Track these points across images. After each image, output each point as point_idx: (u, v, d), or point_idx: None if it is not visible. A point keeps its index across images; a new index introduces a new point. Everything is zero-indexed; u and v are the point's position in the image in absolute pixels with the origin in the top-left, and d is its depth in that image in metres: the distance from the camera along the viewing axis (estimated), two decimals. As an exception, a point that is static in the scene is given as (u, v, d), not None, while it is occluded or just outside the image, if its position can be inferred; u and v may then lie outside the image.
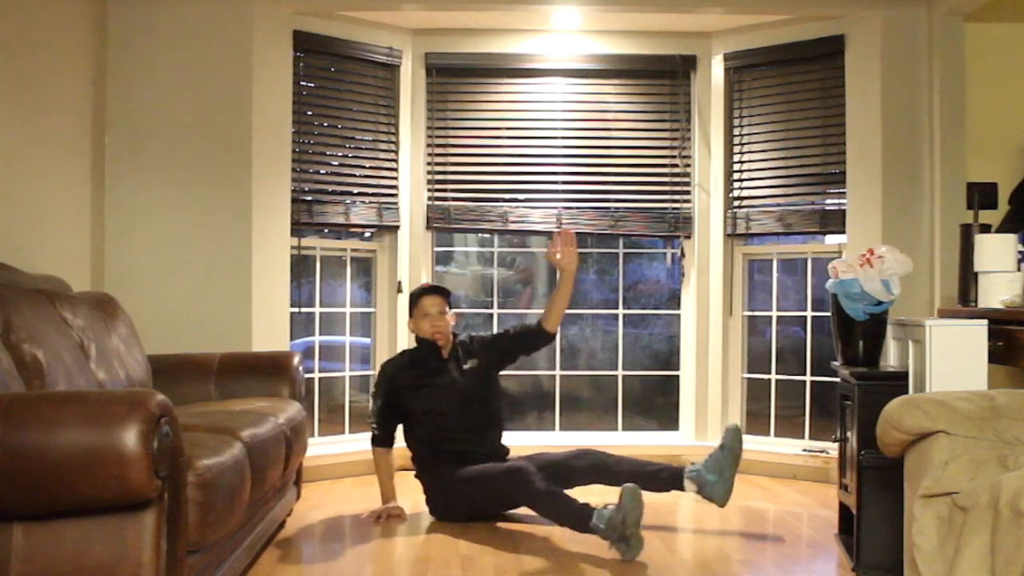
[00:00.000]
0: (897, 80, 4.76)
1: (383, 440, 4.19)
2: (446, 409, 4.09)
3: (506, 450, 4.23)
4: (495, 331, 4.39)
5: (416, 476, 4.17)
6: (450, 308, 4.19)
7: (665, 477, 3.97)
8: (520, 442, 5.33)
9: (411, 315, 4.21)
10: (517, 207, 5.38)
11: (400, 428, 4.23)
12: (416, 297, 4.19)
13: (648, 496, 4.43)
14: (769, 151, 5.23)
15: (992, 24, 4.64)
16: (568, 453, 4.14)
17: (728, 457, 3.88)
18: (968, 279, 3.93)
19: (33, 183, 3.88)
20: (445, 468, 4.03)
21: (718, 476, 3.87)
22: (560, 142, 5.42)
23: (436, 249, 5.44)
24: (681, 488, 3.93)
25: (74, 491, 2.12)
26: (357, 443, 5.13)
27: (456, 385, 4.11)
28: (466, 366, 4.15)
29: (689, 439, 5.40)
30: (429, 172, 5.35)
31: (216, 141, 4.64)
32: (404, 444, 4.28)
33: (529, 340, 4.22)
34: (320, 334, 5.24)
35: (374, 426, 4.19)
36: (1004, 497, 2.20)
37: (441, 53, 5.33)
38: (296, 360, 4.11)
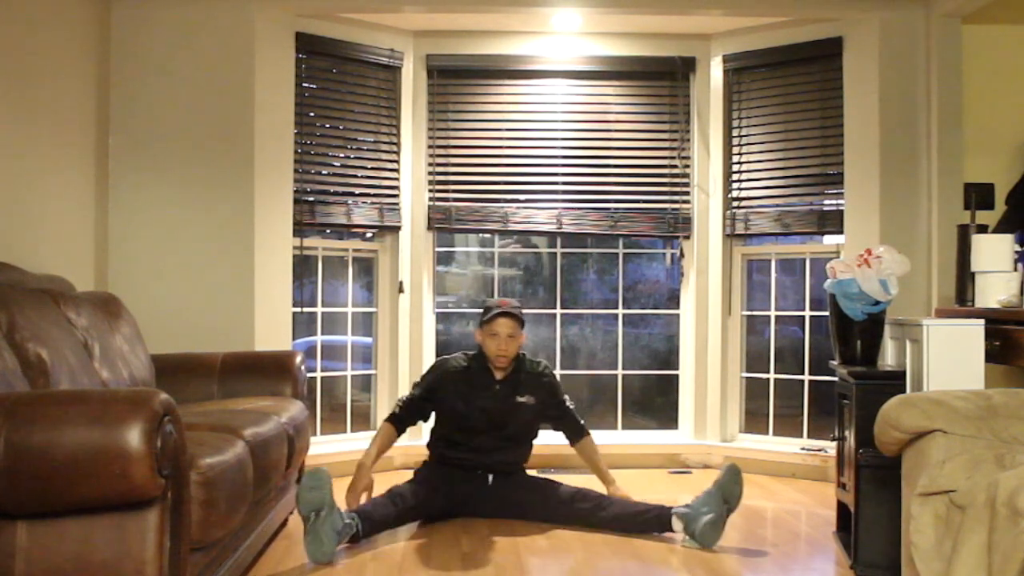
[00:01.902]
0: (895, 82, 4.78)
1: (397, 420, 4.07)
2: (475, 426, 4.01)
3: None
4: (560, 387, 4.23)
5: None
6: (523, 328, 4.07)
7: (651, 518, 3.77)
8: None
9: (480, 326, 4.07)
10: (520, 208, 5.40)
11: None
12: (492, 315, 4.00)
13: (649, 494, 4.43)
14: (768, 152, 5.25)
15: (989, 26, 4.66)
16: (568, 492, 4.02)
17: (718, 495, 3.65)
18: (965, 279, 3.96)
19: (37, 183, 3.90)
20: (445, 467, 4.05)
21: (711, 512, 3.62)
22: (560, 143, 5.44)
23: (437, 249, 5.46)
24: (669, 528, 3.72)
25: (78, 490, 2.14)
26: (359, 442, 5.14)
27: (497, 410, 4.02)
28: (520, 399, 4.04)
29: (688, 438, 5.42)
30: (430, 173, 5.37)
31: (219, 142, 4.66)
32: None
33: (558, 427, 4.26)
34: (322, 334, 5.26)
35: (398, 406, 4.09)
36: (1001, 496, 2.22)
37: (442, 55, 5.35)
38: (298, 359, 4.12)
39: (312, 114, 5.06)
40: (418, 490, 3.91)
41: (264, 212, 4.73)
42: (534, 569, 3.37)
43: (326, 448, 5.04)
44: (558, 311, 5.58)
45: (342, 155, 5.19)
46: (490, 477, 4.03)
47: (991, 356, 3.34)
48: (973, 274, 3.85)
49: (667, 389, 5.62)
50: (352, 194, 5.17)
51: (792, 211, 5.19)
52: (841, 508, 3.72)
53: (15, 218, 3.69)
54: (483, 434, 4.00)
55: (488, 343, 4.01)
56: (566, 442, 5.37)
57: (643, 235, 5.56)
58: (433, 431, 4.18)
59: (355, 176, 5.21)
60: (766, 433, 5.31)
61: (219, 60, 4.68)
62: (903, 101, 4.78)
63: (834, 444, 3.79)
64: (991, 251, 3.77)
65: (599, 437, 5.46)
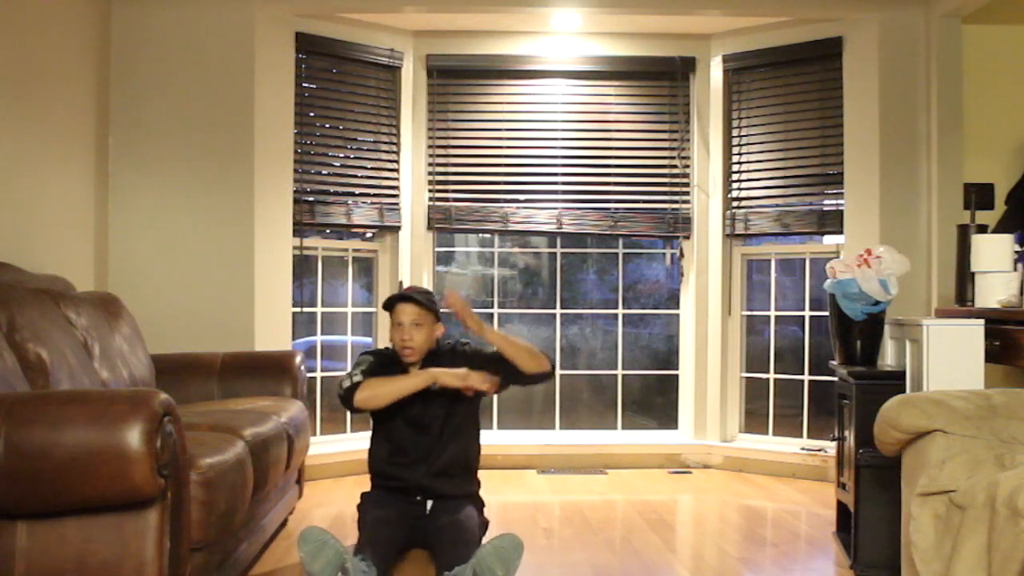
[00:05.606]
0: (895, 81, 4.78)
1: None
2: (400, 435, 3.09)
3: (481, 502, 3.12)
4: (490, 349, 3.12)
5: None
6: (438, 320, 3.18)
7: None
8: (521, 441, 5.37)
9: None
10: (519, 208, 5.40)
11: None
12: (391, 302, 3.21)
13: (649, 494, 4.44)
14: (767, 152, 5.25)
15: (989, 26, 4.66)
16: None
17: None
18: (965, 279, 3.95)
19: (37, 184, 3.90)
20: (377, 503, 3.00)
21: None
22: (560, 143, 5.44)
23: (437, 249, 5.46)
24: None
25: (78, 490, 2.14)
26: (358, 442, 5.15)
27: (417, 409, 3.06)
28: (437, 387, 3.03)
29: (688, 438, 5.42)
30: (430, 173, 5.37)
31: (219, 142, 4.67)
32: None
33: (517, 376, 3.06)
34: (322, 334, 5.26)
35: (356, 378, 3.02)
36: (1001, 496, 2.22)
37: (442, 55, 5.35)
38: (298, 359, 4.13)
39: (312, 114, 5.06)
40: (375, 536, 2.84)
41: (264, 212, 4.73)
42: (535, 568, 3.37)
43: (326, 448, 5.04)
44: (558, 311, 5.58)
45: (342, 155, 5.19)
46: (428, 504, 3.01)
47: (991, 356, 3.34)
48: (973, 274, 3.84)
49: (667, 389, 5.62)
50: (352, 194, 5.17)
51: (792, 211, 5.19)
52: (841, 508, 3.72)
53: (15, 218, 3.69)
54: (412, 440, 3.08)
55: (393, 335, 3.19)
56: (565, 441, 5.41)
57: (643, 235, 5.56)
58: (370, 450, 3.15)
59: (355, 176, 5.21)
60: (766, 433, 5.31)
61: (219, 60, 4.68)
62: (903, 101, 4.78)
63: (834, 444, 3.79)
64: (991, 251, 3.76)
65: (599, 437, 5.50)
